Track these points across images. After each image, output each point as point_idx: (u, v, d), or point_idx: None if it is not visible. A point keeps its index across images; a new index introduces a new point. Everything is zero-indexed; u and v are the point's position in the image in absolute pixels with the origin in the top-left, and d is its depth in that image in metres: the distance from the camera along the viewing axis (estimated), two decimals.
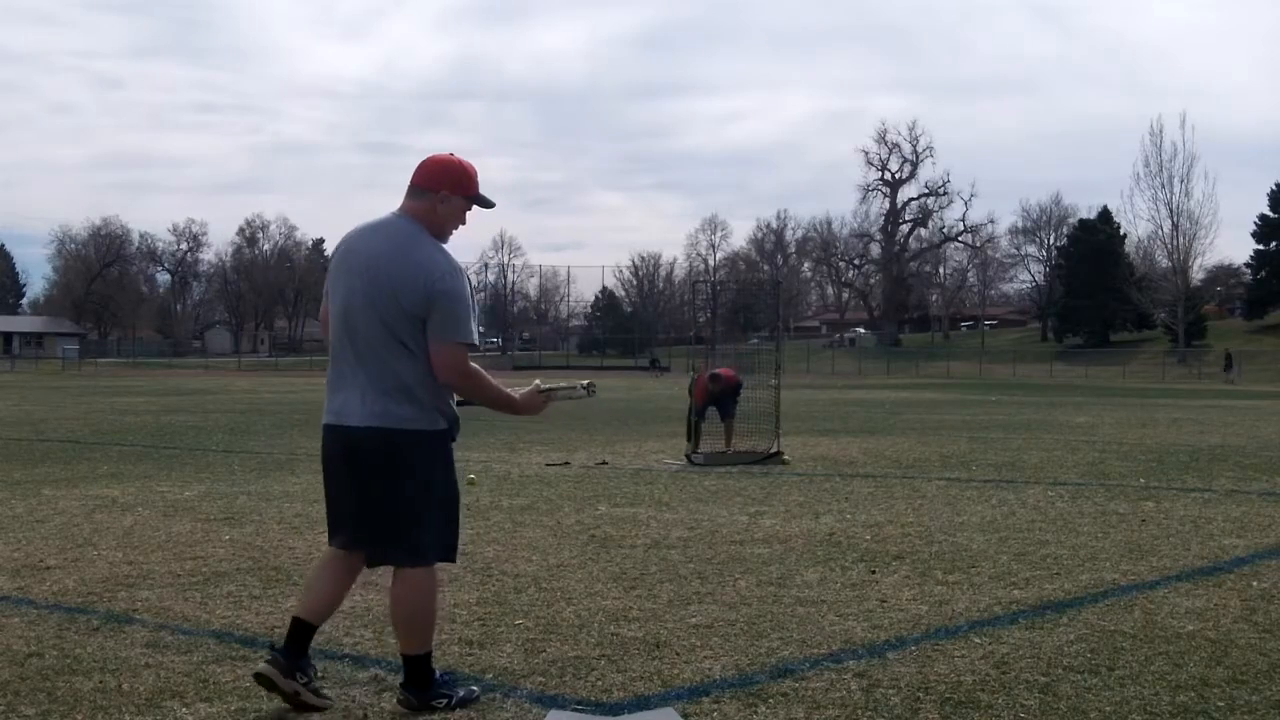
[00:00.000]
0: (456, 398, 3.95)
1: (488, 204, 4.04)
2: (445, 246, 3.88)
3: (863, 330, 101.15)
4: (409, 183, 3.90)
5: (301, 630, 3.92)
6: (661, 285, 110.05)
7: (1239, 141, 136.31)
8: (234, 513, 8.39)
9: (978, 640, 4.75)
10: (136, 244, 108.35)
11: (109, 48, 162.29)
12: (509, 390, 4.01)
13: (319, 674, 4.10)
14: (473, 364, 3.84)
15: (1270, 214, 73.71)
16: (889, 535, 7.44)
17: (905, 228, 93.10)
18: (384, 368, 3.76)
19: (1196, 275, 74.08)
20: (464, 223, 3.99)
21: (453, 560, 3.97)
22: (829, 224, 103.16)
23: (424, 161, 3.92)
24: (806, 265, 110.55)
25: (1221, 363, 56.97)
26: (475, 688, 3.99)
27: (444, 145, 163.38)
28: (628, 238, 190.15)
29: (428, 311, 3.72)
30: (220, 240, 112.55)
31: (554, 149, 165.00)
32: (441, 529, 3.88)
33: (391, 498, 3.80)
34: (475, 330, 3.77)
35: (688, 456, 12.74)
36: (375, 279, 3.77)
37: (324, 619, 4.01)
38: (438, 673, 3.93)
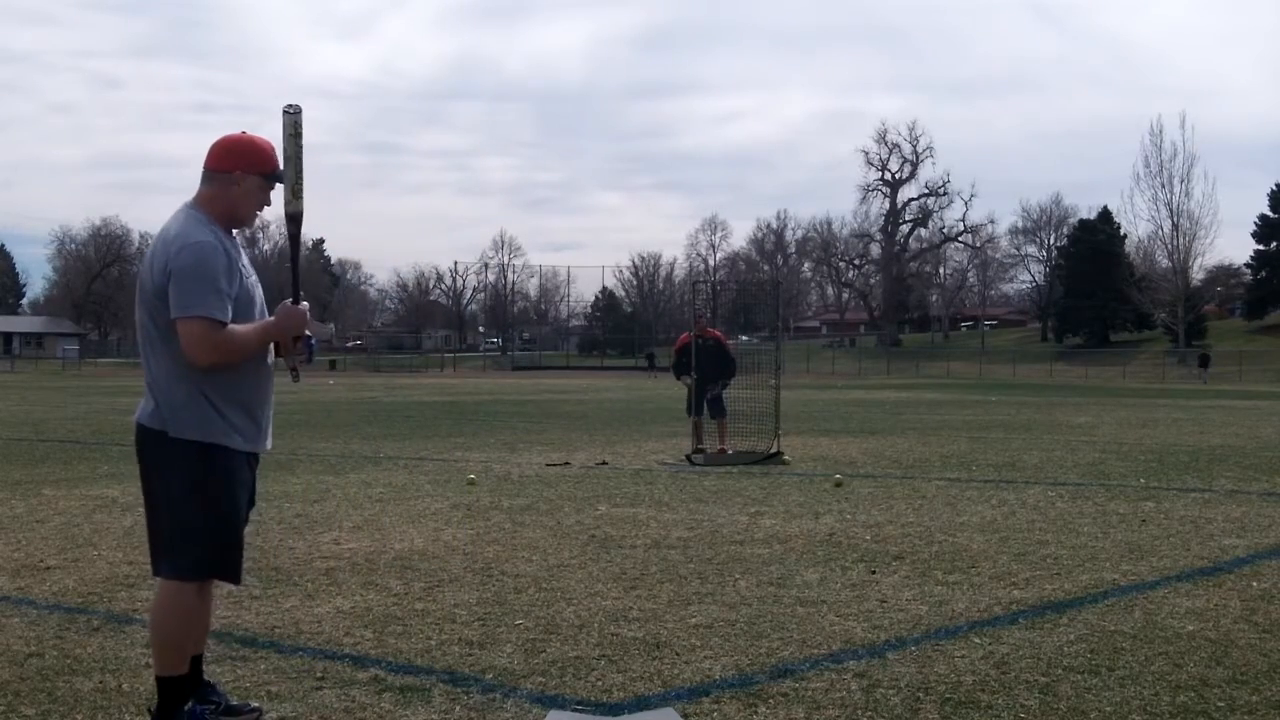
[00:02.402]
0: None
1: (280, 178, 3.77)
2: (203, 222, 3.58)
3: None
4: (207, 167, 3.67)
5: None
6: (661, 285, 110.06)
7: (1239, 141, 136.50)
8: None
9: (978, 640, 4.75)
10: (137, 244, 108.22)
11: (107, 47, 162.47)
12: (262, 323, 3.66)
13: (318, 677, 4.10)
14: (223, 332, 3.49)
15: (1270, 214, 73.68)
16: (889, 535, 7.44)
17: (905, 228, 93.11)
18: (148, 364, 3.62)
19: (1196, 275, 74.04)
20: (267, 203, 3.76)
21: (194, 579, 3.59)
22: (829, 224, 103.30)
23: (215, 143, 3.69)
24: (806, 265, 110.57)
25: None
26: None
27: (444, 145, 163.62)
28: (628, 238, 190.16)
29: (169, 287, 3.49)
30: None
31: (553, 149, 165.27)
32: (186, 544, 3.55)
33: (148, 500, 3.67)
34: (215, 302, 3.47)
35: (688, 457, 12.75)
36: (141, 273, 3.63)
37: (199, 645, 3.77)
38: (193, 706, 3.64)
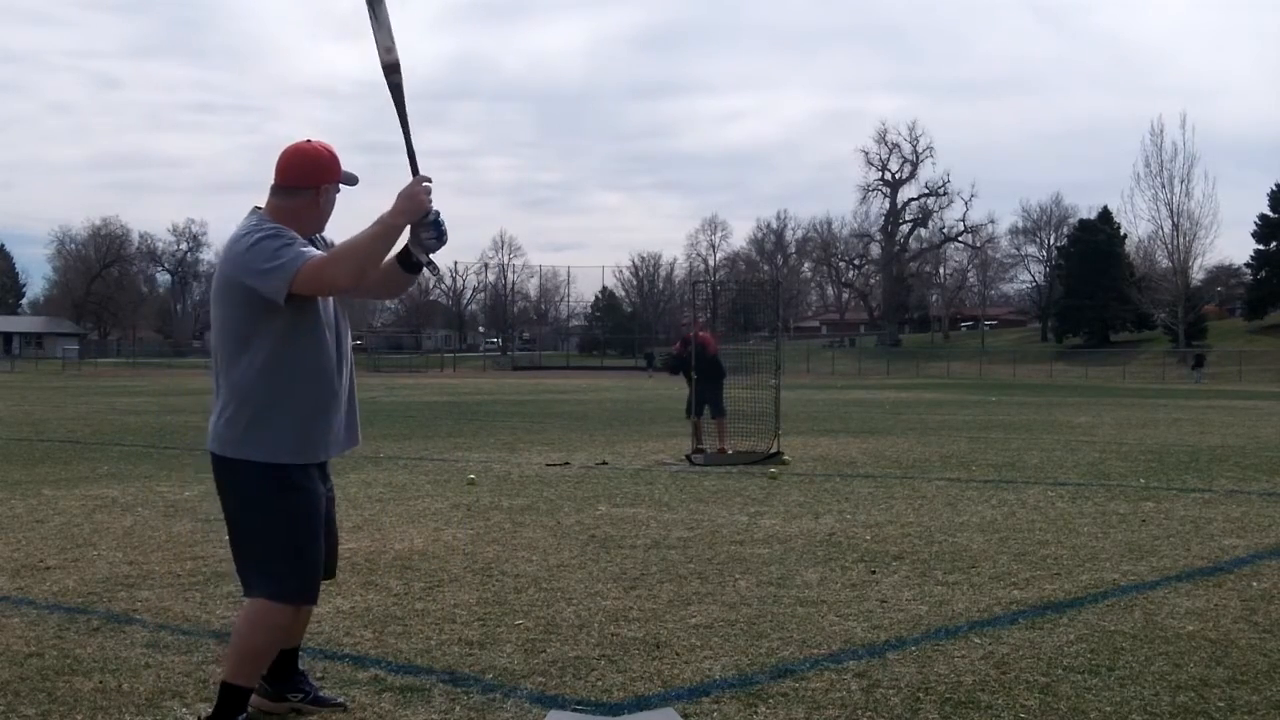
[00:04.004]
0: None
1: (353, 180, 3.73)
2: (268, 223, 3.50)
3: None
4: (274, 182, 3.59)
5: (278, 657, 3.77)
6: (661, 285, 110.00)
7: (1239, 141, 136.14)
8: None
9: (978, 640, 4.75)
10: (136, 244, 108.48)
11: (107, 47, 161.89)
12: (379, 219, 3.42)
13: (318, 677, 4.11)
14: (325, 255, 3.41)
15: (1270, 214, 73.58)
16: (889, 535, 7.44)
17: (905, 228, 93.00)
18: (215, 376, 3.59)
19: (1196, 275, 74.01)
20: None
21: (290, 601, 3.56)
22: (829, 224, 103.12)
23: (287, 158, 3.59)
24: (806, 265, 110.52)
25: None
26: None
27: (444, 145, 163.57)
28: (628, 238, 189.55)
29: (246, 282, 3.42)
30: (220, 240, 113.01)
31: (553, 149, 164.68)
32: (272, 564, 3.52)
33: (229, 521, 3.65)
34: (296, 255, 3.36)
35: (688, 457, 12.75)
36: (214, 278, 3.60)
37: (294, 640, 3.85)
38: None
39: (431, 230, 3.44)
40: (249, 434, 3.50)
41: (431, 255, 3.52)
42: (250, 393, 3.50)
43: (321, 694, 3.91)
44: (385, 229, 3.40)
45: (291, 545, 3.54)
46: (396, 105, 3.48)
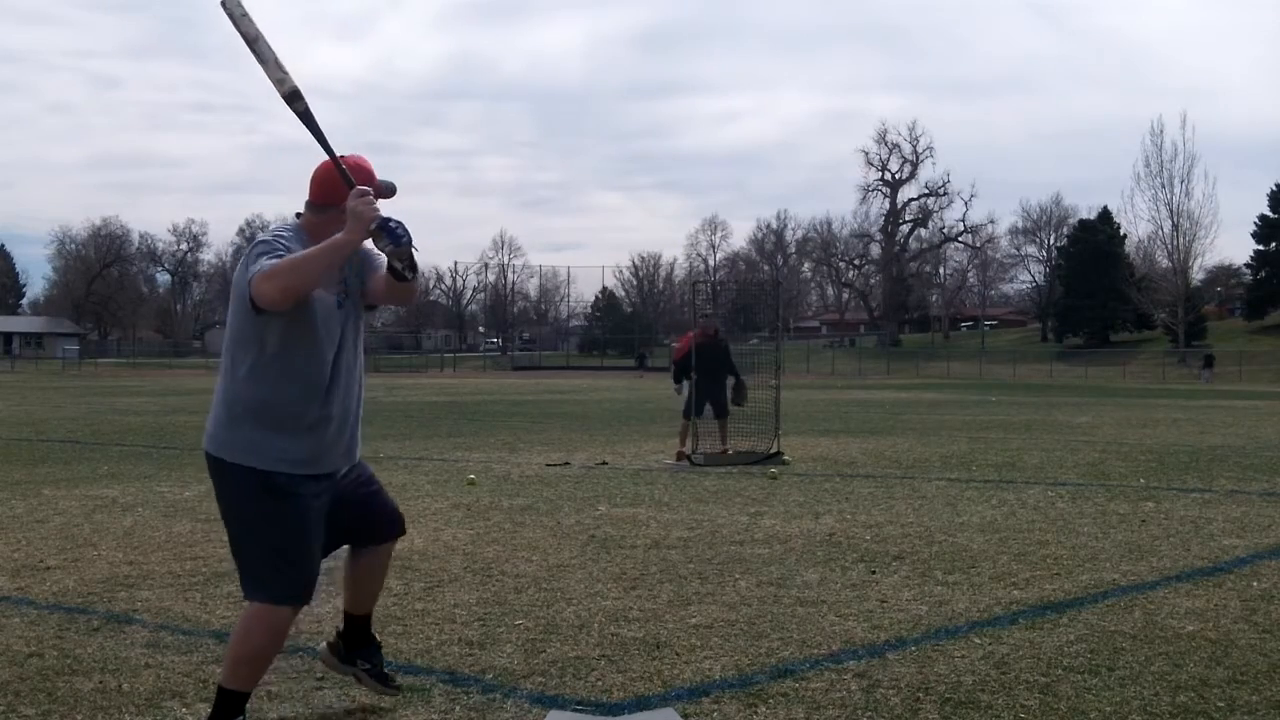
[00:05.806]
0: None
1: (390, 191, 3.64)
2: (296, 231, 3.55)
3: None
4: (307, 199, 3.61)
5: (349, 621, 3.95)
6: (661, 285, 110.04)
7: (1239, 141, 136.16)
8: None
9: (978, 640, 4.76)
10: (136, 244, 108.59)
11: (106, 47, 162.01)
12: (329, 239, 3.38)
13: (319, 676, 4.11)
14: (276, 263, 3.33)
15: (1270, 214, 73.63)
16: (889, 535, 7.44)
17: (905, 228, 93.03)
18: (220, 385, 3.61)
19: (1196, 275, 74.07)
20: None
21: (277, 603, 3.51)
22: (829, 224, 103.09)
23: (316, 175, 3.59)
24: (806, 265, 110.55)
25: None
26: None
27: (443, 145, 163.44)
28: (628, 238, 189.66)
29: (241, 286, 3.44)
30: (220, 240, 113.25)
31: (552, 149, 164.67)
32: (257, 566, 3.54)
33: (224, 522, 3.68)
34: (259, 266, 3.35)
35: (688, 457, 12.72)
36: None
37: (363, 607, 3.93)
38: None
39: (386, 237, 3.37)
40: (232, 436, 3.53)
41: (405, 259, 3.43)
42: (237, 395, 3.53)
43: (386, 673, 3.96)
44: (332, 244, 3.35)
45: (274, 549, 3.52)
46: (310, 130, 3.45)
